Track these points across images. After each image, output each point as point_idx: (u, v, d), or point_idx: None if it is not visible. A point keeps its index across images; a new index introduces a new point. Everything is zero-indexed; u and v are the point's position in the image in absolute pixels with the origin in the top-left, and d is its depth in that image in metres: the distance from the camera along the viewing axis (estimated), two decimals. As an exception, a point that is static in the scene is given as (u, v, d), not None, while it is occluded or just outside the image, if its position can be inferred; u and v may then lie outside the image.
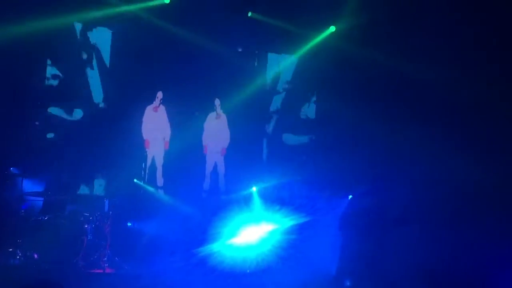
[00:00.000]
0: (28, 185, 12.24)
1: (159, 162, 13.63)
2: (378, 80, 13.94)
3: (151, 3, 13.34)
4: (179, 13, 13.54)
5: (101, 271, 11.39)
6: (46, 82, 13.15)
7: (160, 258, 11.77)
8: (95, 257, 11.52)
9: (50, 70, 13.20)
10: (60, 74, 13.27)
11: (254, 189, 13.16)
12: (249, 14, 13.92)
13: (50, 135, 13.13)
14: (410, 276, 11.58)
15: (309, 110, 14.88)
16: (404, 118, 13.38)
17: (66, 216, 11.70)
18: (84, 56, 13.49)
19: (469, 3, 12.86)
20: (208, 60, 13.80)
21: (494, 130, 12.63)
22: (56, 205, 11.81)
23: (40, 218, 11.47)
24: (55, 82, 13.22)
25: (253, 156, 14.33)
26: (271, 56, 14.60)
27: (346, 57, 14.09)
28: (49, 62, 13.15)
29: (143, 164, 13.54)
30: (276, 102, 14.81)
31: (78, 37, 13.40)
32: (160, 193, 13.43)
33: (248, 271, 11.98)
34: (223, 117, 13.92)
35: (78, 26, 13.36)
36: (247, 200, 13.01)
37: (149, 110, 13.61)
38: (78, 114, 13.35)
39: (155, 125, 13.56)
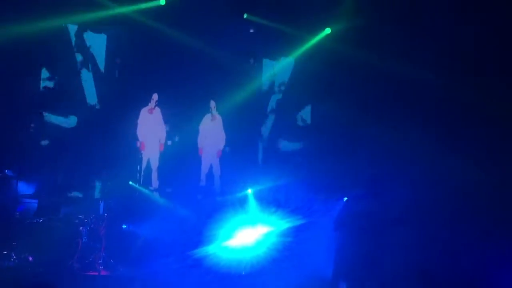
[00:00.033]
0: (23, 188, 12.21)
1: (154, 164, 13.61)
2: (373, 82, 13.97)
3: (146, 5, 13.33)
4: (174, 15, 13.53)
5: (96, 273, 11.38)
6: (41, 85, 13.12)
7: (155, 260, 11.75)
8: (90, 259, 11.51)
9: (45, 73, 13.18)
10: (55, 77, 13.26)
11: (249, 191, 13.14)
12: (245, 16, 13.93)
13: (45, 137, 13.10)
14: (407, 278, 11.59)
15: (304, 113, 14.89)
16: (400, 119, 13.41)
17: (61, 218, 11.70)
18: (79, 58, 13.47)
19: (463, 5, 12.89)
20: (203, 62, 13.81)
21: (490, 130, 12.67)
22: (51, 208, 11.81)
23: (35, 221, 11.45)
24: (50, 85, 13.20)
25: (249, 158, 14.32)
26: (266, 58, 14.60)
27: (342, 59, 14.10)
28: (43, 65, 13.11)
29: (138, 166, 13.51)
30: (272, 104, 14.82)
31: (73, 40, 13.38)
32: (155, 195, 13.41)
33: (243, 273, 11.97)
34: (219, 119, 13.92)
35: (73, 29, 13.35)
36: (243, 202, 12.99)
37: (144, 112, 13.59)
38: (73, 116, 13.32)
39: (150, 127, 13.54)
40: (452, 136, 12.98)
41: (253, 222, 12.51)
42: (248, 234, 12.38)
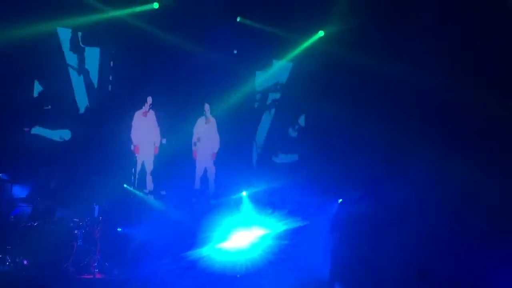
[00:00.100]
0: (18, 191, 12.20)
1: (149, 167, 13.61)
2: (369, 83, 14.01)
3: (140, 9, 13.35)
4: (168, 19, 13.56)
5: (91, 276, 11.36)
6: (34, 87, 13.11)
7: (150, 262, 11.74)
8: (85, 262, 11.50)
9: (38, 77, 13.18)
10: (48, 80, 13.26)
11: (244, 193, 13.15)
12: (238, 19, 13.96)
13: (39, 140, 13.10)
14: (404, 279, 11.62)
15: (299, 115, 14.92)
16: (396, 120, 13.45)
17: (55, 221, 11.65)
18: (73, 62, 13.47)
19: (458, 6, 12.95)
20: (197, 65, 13.84)
21: (488, 130, 12.72)
22: (46, 211, 11.75)
23: (29, 224, 11.41)
24: (43, 88, 13.20)
25: (243, 160, 14.34)
26: (260, 60, 14.63)
27: (336, 61, 14.14)
28: (36, 69, 13.11)
29: (133, 169, 13.51)
30: (267, 107, 14.84)
31: (67, 43, 13.38)
32: (150, 198, 13.41)
33: (238, 275, 11.96)
34: (213, 121, 13.92)
35: (67, 32, 13.34)
36: (237, 204, 12.99)
37: (138, 115, 13.58)
38: (67, 120, 13.32)
39: (145, 130, 13.54)
40: (449, 137, 13.03)
41: (248, 225, 12.50)
42: (243, 237, 12.37)
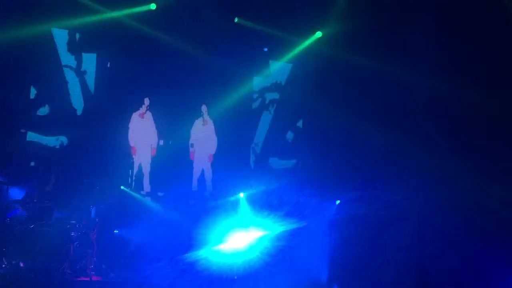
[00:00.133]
0: (14, 193, 12.15)
1: (146, 169, 13.56)
2: (365, 85, 14.00)
3: (137, 10, 13.32)
4: (165, 20, 13.53)
5: (88, 278, 11.31)
6: (31, 89, 13.07)
7: (148, 264, 11.71)
8: (82, 265, 11.46)
9: (35, 78, 13.14)
10: (45, 82, 13.22)
11: (241, 195, 13.12)
12: (236, 20, 13.94)
13: (36, 142, 13.07)
14: (402, 280, 11.60)
15: (297, 117, 14.90)
16: (393, 122, 13.45)
17: (52, 224, 11.61)
18: (70, 63, 13.44)
19: (455, 7, 12.95)
20: (195, 66, 13.81)
21: (485, 131, 12.73)
22: (42, 213, 11.71)
23: (25, 226, 11.37)
24: (40, 90, 13.16)
25: (241, 162, 14.31)
26: (258, 62, 14.60)
27: (333, 62, 14.13)
28: (32, 70, 13.06)
29: (130, 171, 13.46)
30: (264, 109, 14.82)
31: (63, 44, 13.35)
32: (147, 199, 13.37)
33: (235, 277, 11.94)
34: (210, 123, 13.88)
35: (63, 34, 13.31)
36: (235, 206, 12.97)
37: (135, 116, 13.54)
38: (63, 122, 13.28)
39: (142, 132, 13.49)
40: (446, 137, 13.03)
41: (245, 226, 12.48)
42: (240, 238, 12.35)
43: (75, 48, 13.43)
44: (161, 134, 13.62)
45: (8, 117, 12.71)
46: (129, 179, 13.42)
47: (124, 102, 13.52)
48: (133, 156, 13.48)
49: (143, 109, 13.50)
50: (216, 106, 13.83)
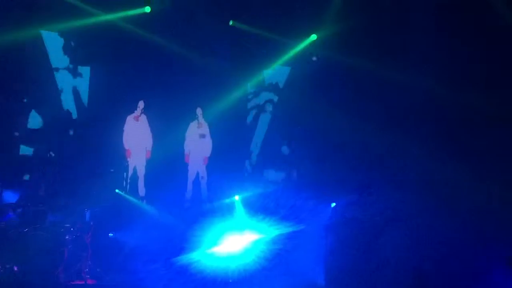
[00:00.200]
0: (8, 197, 12.09)
1: (141, 172, 13.51)
2: (361, 87, 14.03)
3: (132, 13, 13.30)
4: (160, 23, 13.55)
5: (83, 282, 11.26)
6: (24, 92, 13.03)
7: (142, 267, 11.66)
8: (76, 268, 11.39)
9: (30, 81, 13.09)
10: (41, 85, 13.19)
11: (236, 197, 13.09)
12: (231, 23, 13.94)
13: (29, 146, 13.01)
14: (398, 282, 11.62)
15: (294, 118, 14.90)
16: (389, 124, 13.48)
17: (46, 227, 11.55)
18: (65, 66, 13.40)
19: (450, 8, 13.00)
20: (189, 69, 13.82)
21: (482, 132, 12.78)
22: (36, 217, 11.66)
23: (19, 230, 11.31)
24: (34, 93, 13.12)
25: (236, 165, 14.30)
26: (252, 65, 14.60)
27: (329, 64, 14.16)
28: (27, 76, 13.04)
29: (125, 174, 13.40)
30: (260, 111, 14.82)
31: (59, 47, 13.32)
32: (142, 202, 13.32)
33: (230, 280, 11.90)
34: (205, 126, 13.84)
35: (58, 37, 13.27)
36: (230, 209, 12.93)
37: (130, 119, 13.48)
38: (58, 123, 13.24)
39: (137, 135, 13.43)
40: (444, 139, 13.07)
41: (241, 229, 12.45)
42: (236, 242, 12.32)
43: (70, 51, 13.41)
44: (156, 137, 13.56)
45: (1, 120, 12.66)
46: (124, 182, 13.36)
47: (118, 105, 13.50)
48: (128, 159, 13.42)
49: (137, 112, 13.43)
50: (211, 108, 13.81)
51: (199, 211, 13.04)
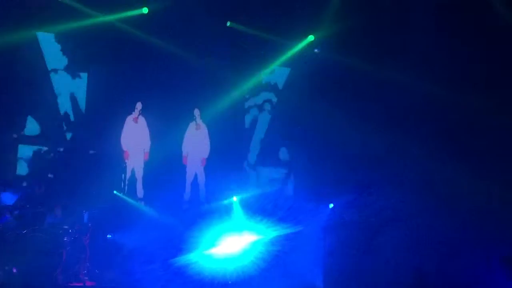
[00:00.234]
0: (6, 198, 12.11)
1: (139, 173, 13.49)
2: (360, 88, 14.02)
3: (129, 14, 13.31)
4: (157, 24, 13.53)
5: (81, 284, 11.29)
6: (24, 94, 13.05)
7: (141, 269, 11.67)
8: (75, 270, 11.42)
9: (29, 83, 13.10)
10: (39, 87, 13.20)
11: (234, 199, 13.08)
12: (228, 24, 13.93)
13: (28, 147, 13.03)
14: (397, 283, 11.60)
15: (292, 120, 14.88)
16: (388, 124, 13.46)
17: (44, 229, 11.58)
18: (63, 67, 13.41)
19: (448, 9, 12.98)
20: (187, 70, 13.80)
21: (484, 133, 12.76)
22: (35, 218, 11.69)
23: (18, 232, 11.33)
24: (33, 95, 13.14)
25: (234, 166, 14.29)
26: (250, 65, 14.59)
27: (327, 64, 14.14)
28: (25, 77, 13.05)
29: (123, 175, 13.41)
30: (257, 112, 14.81)
31: (57, 49, 13.34)
32: (140, 204, 13.32)
33: (229, 282, 11.90)
34: (203, 127, 13.82)
35: (55, 38, 13.29)
36: (228, 210, 12.93)
37: (129, 121, 13.47)
38: (56, 126, 13.25)
39: (135, 136, 13.42)
40: (443, 140, 13.05)
41: (239, 231, 12.44)
42: (234, 243, 12.31)
43: (68, 52, 13.43)
44: (154, 138, 13.56)
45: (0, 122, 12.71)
46: (122, 184, 13.37)
47: (116, 106, 13.49)
48: (126, 161, 13.42)
49: (135, 113, 13.42)
50: (209, 110, 13.79)
51: (197, 212, 13.03)
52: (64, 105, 13.44)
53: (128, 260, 12.03)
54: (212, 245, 12.06)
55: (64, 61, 13.46)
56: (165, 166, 13.58)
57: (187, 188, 13.75)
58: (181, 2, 13.51)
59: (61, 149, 13.18)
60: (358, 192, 12.84)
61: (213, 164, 13.85)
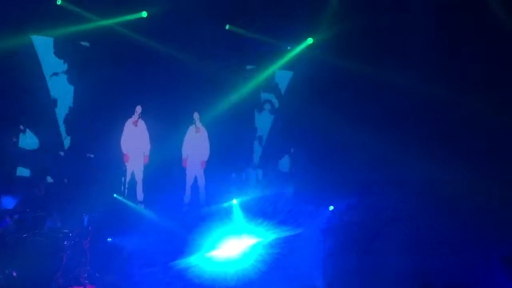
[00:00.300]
0: (6, 203, 12.15)
1: (139, 177, 13.49)
2: (359, 89, 14.02)
3: (128, 17, 13.34)
4: (157, 27, 13.56)
5: (82, 287, 11.29)
6: (24, 98, 13.09)
7: (141, 272, 11.68)
8: (75, 273, 11.41)
9: (28, 86, 13.14)
10: (38, 90, 13.24)
11: (234, 201, 13.08)
12: (227, 27, 13.95)
13: (28, 151, 13.06)
14: (398, 285, 11.59)
15: (292, 122, 14.89)
16: (388, 126, 13.46)
17: (45, 233, 11.59)
18: (63, 70, 13.45)
19: (448, 10, 12.98)
20: (186, 73, 13.83)
21: (484, 134, 12.76)
22: (35, 222, 11.72)
23: (18, 236, 11.35)
24: (32, 98, 13.17)
25: (234, 169, 14.30)
26: (249, 69, 14.60)
27: (328, 67, 14.14)
28: (24, 81, 13.08)
29: (123, 178, 13.42)
30: (257, 115, 14.82)
31: (55, 53, 13.36)
32: (140, 207, 13.33)
33: (229, 285, 11.90)
34: (203, 130, 13.81)
35: (55, 41, 13.33)
36: (228, 213, 12.93)
37: (128, 124, 13.47)
38: (56, 130, 13.28)
39: (135, 140, 13.42)
40: (443, 139, 13.06)
41: (239, 233, 12.44)
42: (234, 246, 12.30)
43: (68, 56, 13.47)
44: (153, 141, 13.57)
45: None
46: (122, 187, 13.38)
47: (116, 110, 13.50)
48: (126, 164, 13.43)
49: (135, 116, 13.42)
50: (209, 112, 13.80)
51: (197, 215, 13.03)
52: (64, 109, 13.46)
53: (128, 263, 12.03)
54: (212, 248, 12.05)
55: (66, 64, 13.48)
56: (165, 169, 13.60)
57: (187, 191, 13.75)
58: (180, 5, 13.54)
59: (61, 153, 13.18)
60: (359, 193, 12.84)
61: (213, 167, 13.86)
